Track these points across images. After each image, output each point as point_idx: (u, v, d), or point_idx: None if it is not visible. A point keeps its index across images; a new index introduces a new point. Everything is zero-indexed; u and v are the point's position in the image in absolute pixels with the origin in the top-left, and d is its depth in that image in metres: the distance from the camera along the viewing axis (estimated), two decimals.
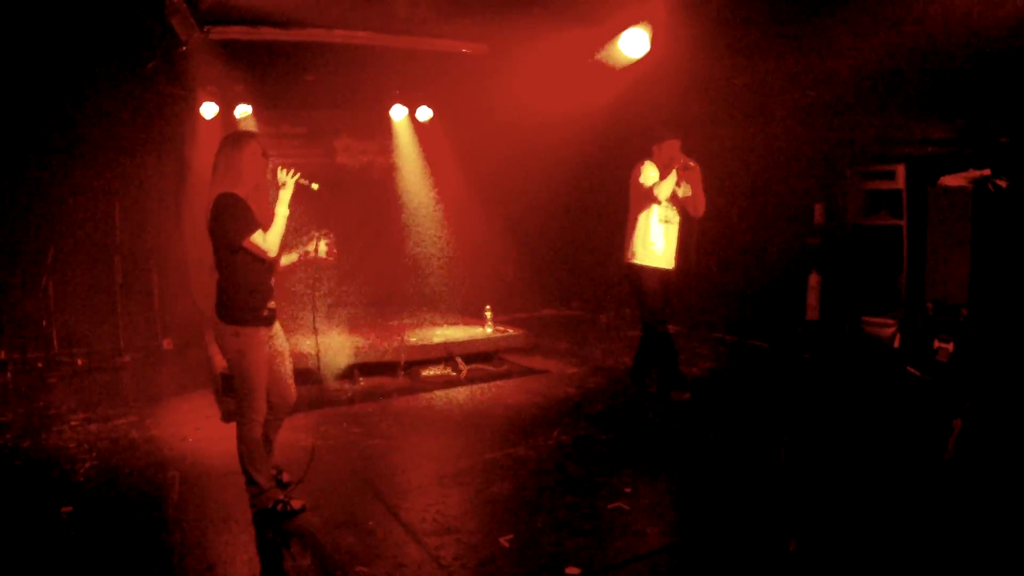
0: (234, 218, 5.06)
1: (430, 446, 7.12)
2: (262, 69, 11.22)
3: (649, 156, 8.14)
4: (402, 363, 9.67)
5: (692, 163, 7.94)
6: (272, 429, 5.63)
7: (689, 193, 8.18)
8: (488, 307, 10.77)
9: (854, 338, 9.10)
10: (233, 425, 5.48)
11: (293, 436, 7.24)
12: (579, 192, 13.28)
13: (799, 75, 9.85)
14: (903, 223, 8.76)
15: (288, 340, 5.67)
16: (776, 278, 10.54)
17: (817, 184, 10.03)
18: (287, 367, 5.59)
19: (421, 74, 12.12)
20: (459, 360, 9.87)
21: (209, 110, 11.63)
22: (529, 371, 9.96)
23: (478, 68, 11.40)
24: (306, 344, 9.94)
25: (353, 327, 11.24)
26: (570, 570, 4.51)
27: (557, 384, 9.11)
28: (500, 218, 13.82)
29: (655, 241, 8.13)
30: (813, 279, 9.90)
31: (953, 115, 8.53)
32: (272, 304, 5.36)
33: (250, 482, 5.35)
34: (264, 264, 5.26)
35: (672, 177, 7.92)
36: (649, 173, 8.02)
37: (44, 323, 10.60)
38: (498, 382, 9.47)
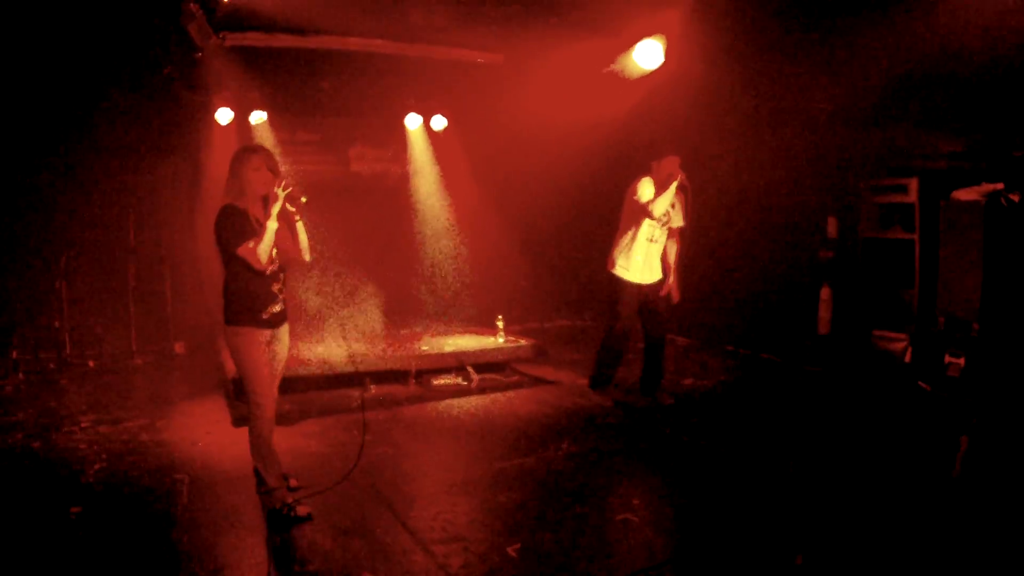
0: (229, 228, 5.34)
1: (440, 455, 7.13)
2: (277, 76, 11.25)
3: (648, 172, 8.19)
4: (413, 372, 9.67)
5: (686, 182, 7.99)
6: None
7: (681, 223, 8.40)
8: (500, 317, 10.76)
9: (865, 352, 9.08)
10: (243, 430, 5.58)
11: (303, 442, 7.28)
12: (593, 202, 13.26)
13: (812, 87, 9.84)
14: (915, 237, 8.73)
15: (289, 347, 5.84)
16: (788, 291, 10.50)
17: (830, 197, 10.00)
18: (277, 374, 5.79)
19: (436, 83, 12.14)
20: (470, 370, 9.86)
21: (224, 116, 11.66)
22: (540, 381, 9.94)
23: (493, 78, 11.42)
24: (317, 351, 10.03)
25: (366, 335, 11.25)
26: None
27: (568, 395, 9.09)
28: (513, 228, 13.80)
29: (637, 257, 8.40)
30: (825, 292, 9.87)
31: (966, 129, 8.51)
32: (275, 309, 5.56)
33: (260, 482, 5.52)
34: (264, 272, 5.45)
35: (668, 194, 8.04)
36: (646, 189, 8.15)
37: (56, 325, 10.64)
38: (509, 392, 9.45)
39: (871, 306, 9.23)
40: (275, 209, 5.43)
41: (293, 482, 5.91)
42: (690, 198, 8.18)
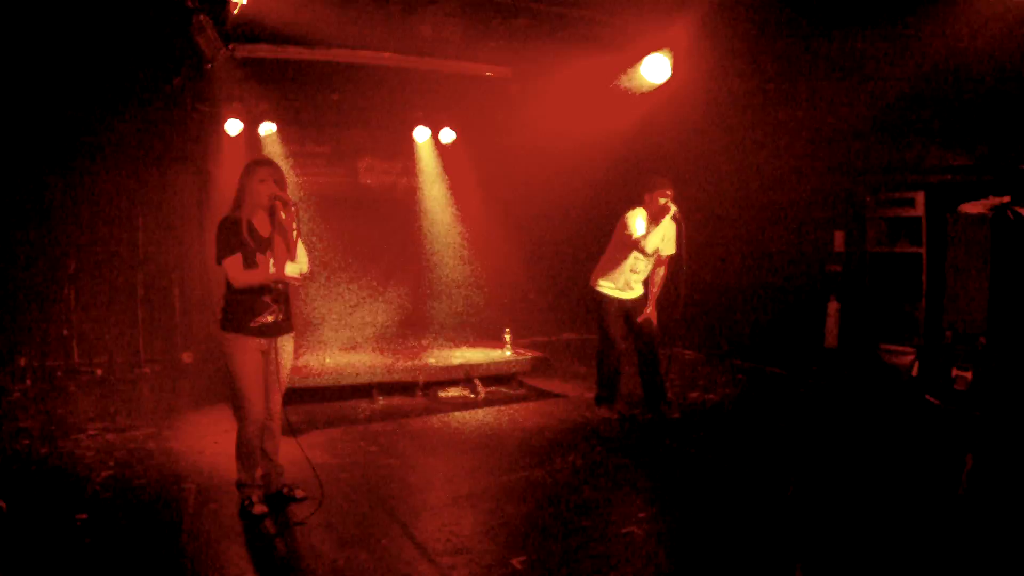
0: (218, 239, 5.48)
1: (446, 467, 7.12)
2: (287, 87, 11.30)
3: (641, 203, 8.19)
4: (421, 383, 9.69)
5: (679, 215, 8.01)
6: (265, 439, 5.86)
7: (672, 251, 8.40)
8: (508, 330, 10.77)
9: (873, 366, 9.06)
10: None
11: (308, 453, 7.23)
12: (600, 216, 13.25)
13: (819, 102, 9.87)
14: (922, 251, 8.73)
15: (295, 357, 5.91)
16: (795, 305, 10.51)
17: (837, 211, 10.02)
18: (278, 383, 5.84)
19: (445, 96, 12.18)
20: (477, 382, 9.87)
21: (234, 127, 11.69)
22: (547, 394, 9.93)
23: (501, 91, 11.46)
24: (325, 362, 10.05)
25: (374, 347, 11.27)
26: None
27: (574, 408, 9.07)
28: (522, 241, 13.82)
29: (617, 283, 8.45)
30: (832, 306, 9.87)
31: (973, 142, 8.52)
32: (267, 319, 5.62)
33: (239, 481, 5.70)
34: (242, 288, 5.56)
35: (660, 228, 8.06)
36: (637, 223, 8.14)
37: (64, 332, 10.69)
38: (516, 405, 9.46)
39: (878, 320, 9.23)
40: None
41: (299, 492, 5.94)
42: (683, 228, 8.15)
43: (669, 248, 8.33)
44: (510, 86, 11.19)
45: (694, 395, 9.54)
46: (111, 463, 6.87)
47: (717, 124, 11.15)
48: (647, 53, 9.31)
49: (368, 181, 13.83)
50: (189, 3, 7.59)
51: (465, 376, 9.92)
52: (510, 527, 5.51)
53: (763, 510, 5.77)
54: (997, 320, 7.69)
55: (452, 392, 9.80)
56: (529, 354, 10.62)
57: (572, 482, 6.47)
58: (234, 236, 5.44)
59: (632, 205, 8.28)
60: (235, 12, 7.72)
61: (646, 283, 8.55)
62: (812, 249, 10.36)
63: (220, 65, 9.34)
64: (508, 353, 10.56)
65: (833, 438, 7.59)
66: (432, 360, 10.33)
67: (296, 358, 9.85)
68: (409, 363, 10.09)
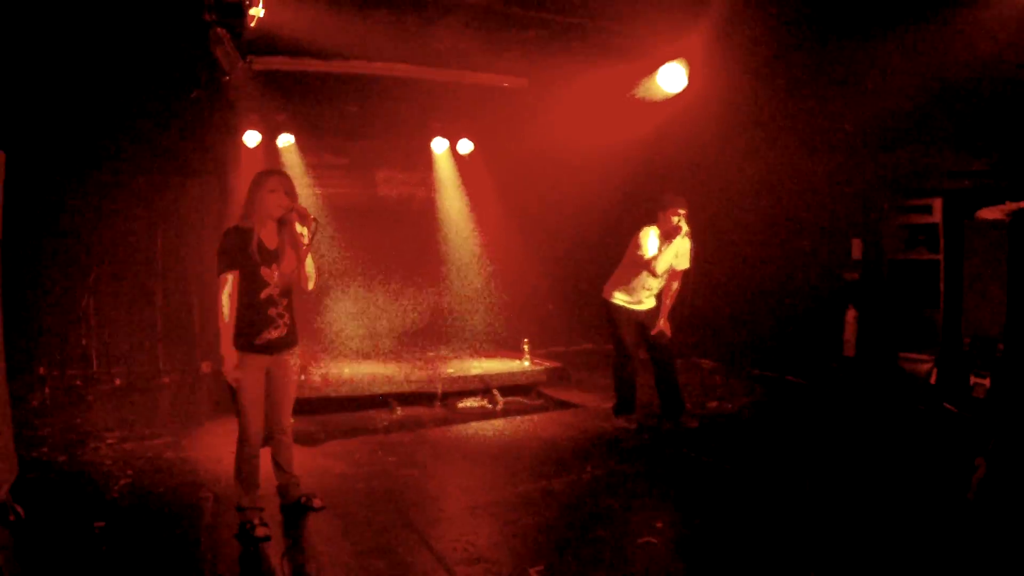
0: (220, 252, 5.39)
1: (464, 477, 7.12)
2: (304, 99, 11.36)
3: (655, 221, 8.19)
4: (439, 394, 9.69)
5: (689, 235, 8.04)
6: (278, 453, 5.78)
7: (686, 266, 8.38)
8: (526, 340, 10.77)
9: (891, 374, 9.02)
10: (268, 450, 5.59)
11: (328, 463, 7.29)
12: (618, 226, 13.23)
13: (835, 109, 9.85)
14: (940, 257, 8.69)
15: (308, 368, 5.85)
16: (813, 313, 10.47)
17: (854, 218, 9.98)
18: (283, 398, 5.73)
19: (462, 107, 12.22)
20: (496, 392, 9.86)
21: (252, 139, 11.76)
22: (565, 405, 9.92)
23: (518, 102, 11.48)
24: (344, 372, 10.07)
25: (392, 357, 11.29)
26: None
27: (592, 419, 9.06)
28: (540, 251, 13.82)
29: (630, 296, 8.45)
30: (850, 314, 9.83)
31: (990, 148, 8.49)
32: (271, 335, 5.50)
33: (238, 504, 5.51)
34: (259, 297, 5.44)
35: (671, 250, 8.06)
36: (650, 243, 8.13)
37: (84, 342, 10.73)
38: (534, 415, 9.45)
39: (897, 328, 9.19)
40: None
41: (317, 502, 5.91)
42: (694, 244, 8.17)
43: (684, 263, 8.32)
44: (527, 97, 11.21)
45: (712, 404, 9.51)
46: (129, 471, 6.90)
47: (733, 133, 11.14)
48: (663, 63, 9.33)
49: (386, 192, 13.86)
50: (207, 16, 7.61)
51: (483, 386, 9.92)
52: (527, 537, 5.49)
53: (781, 519, 5.74)
54: (1015, 326, 7.63)
55: (470, 402, 9.79)
56: (547, 364, 10.61)
57: (589, 492, 6.46)
58: (239, 250, 5.35)
59: (647, 219, 8.27)
60: (252, 25, 7.76)
61: (659, 296, 8.54)
62: (830, 257, 10.33)
63: (238, 77, 9.40)
64: (526, 363, 10.56)
65: (851, 447, 7.55)
66: (450, 370, 10.33)
67: (313, 368, 9.92)
68: (427, 373, 10.09)
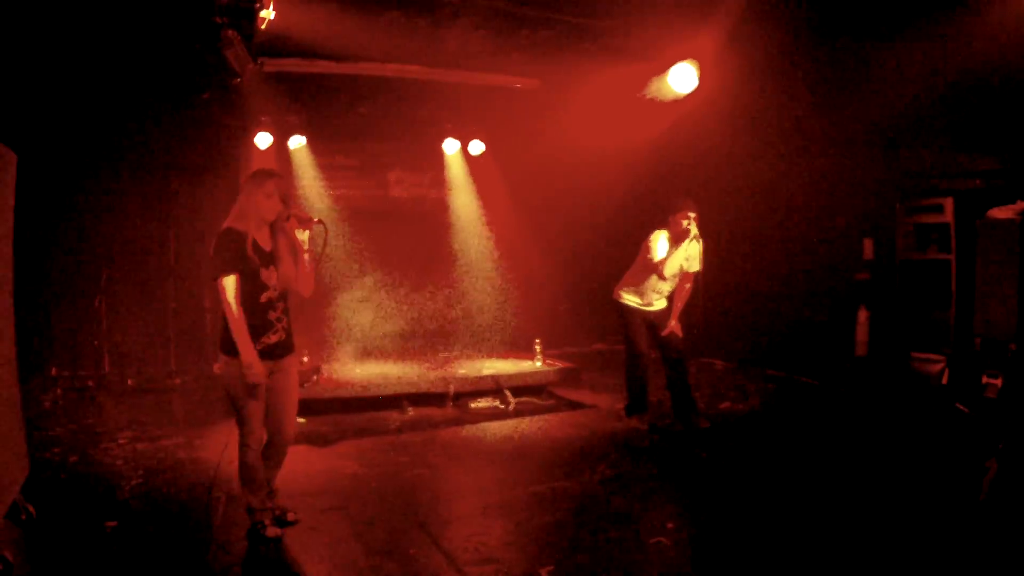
0: (218, 254, 5.24)
1: (475, 477, 7.11)
2: (316, 101, 11.38)
3: (665, 225, 8.17)
4: (451, 394, 9.69)
5: (699, 239, 8.01)
6: (269, 465, 5.62)
7: (698, 268, 8.32)
8: (538, 341, 10.75)
9: (903, 374, 8.99)
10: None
11: (340, 463, 7.30)
12: (630, 226, 13.24)
13: (846, 109, 9.82)
14: (952, 257, 8.66)
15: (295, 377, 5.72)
16: (825, 313, 10.45)
17: (866, 218, 9.95)
18: (287, 405, 5.61)
19: (473, 108, 12.24)
20: (507, 393, 9.85)
21: (263, 140, 11.79)
22: (577, 405, 9.92)
23: (530, 103, 11.49)
24: (355, 373, 10.09)
25: (404, 357, 11.29)
26: None
27: (604, 419, 9.05)
28: (551, 252, 13.83)
29: (641, 298, 8.45)
30: (862, 315, 9.80)
31: (1001, 147, 8.45)
32: (270, 339, 5.38)
33: (248, 506, 5.45)
34: (260, 300, 5.33)
35: (679, 253, 8.06)
36: (659, 246, 8.13)
37: (96, 343, 10.78)
38: (545, 416, 9.45)
39: (909, 328, 9.15)
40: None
41: (291, 516, 5.69)
42: (705, 244, 8.15)
43: (695, 265, 8.29)
44: (538, 97, 11.22)
45: (724, 405, 9.50)
46: (141, 472, 6.93)
47: (744, 133, 11.13)
48: (674, 63, 9.32)
49: (398, 193, 13.88)
50: (217, 18, 7.65)
51: (495, 387, 9.91)
52: (539, 537, 5.49)
53: (793, 520, 5.73)
54: None
55: (482, 403, 9.79)
56: (559, 365, 10.60)
57: (601, 492, 6.44)
58: (236, 252, 5.21)
59: (658, 220, 8.26)
60: (263, 27, 7.79)
61: (670, 297, 8.52)
62: (841, 257, 10.30)
63: (249, 79, 9.43)
64: (538, 364, 10.55)
65: (863, 448, 7.53)
66: (462, 371, 10.34)
67: (325, 369, 9.93)
68: (439, 374, 10.11)
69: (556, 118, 11.77)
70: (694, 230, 7.94)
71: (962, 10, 7.81)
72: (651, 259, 8.10)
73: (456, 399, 9.72)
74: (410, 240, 13.24)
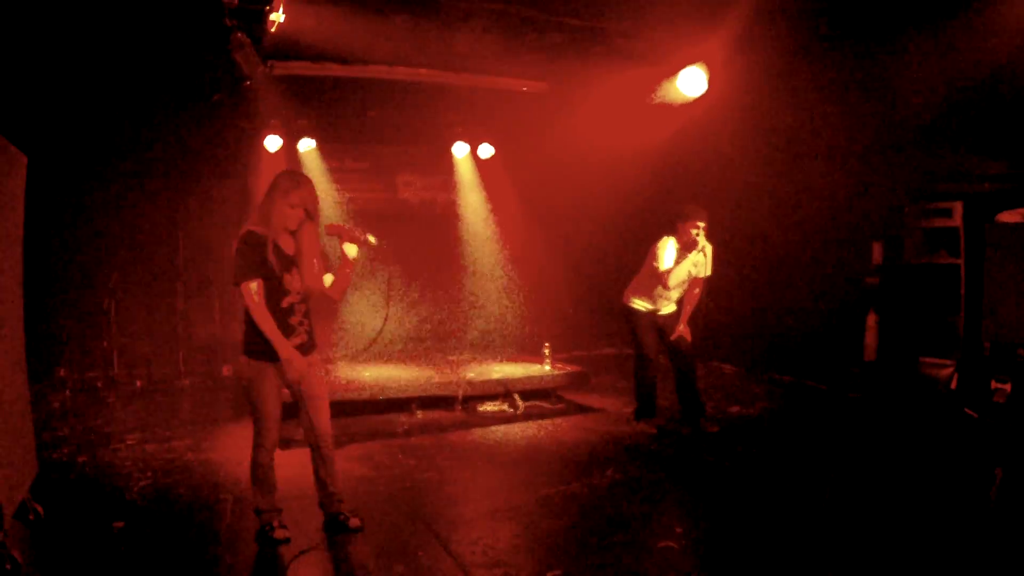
0: (240, 258, 5.20)
1: (483, 480, 7.11)
2: (325, 104, 11.40)
3: (674, 232, 8.17)
4: (460, 398, 9.67)
5: (706, 249, 8.03)
6: (319, 466, 5.63)
7: (708, 273, 8.35)
8: (547, 344, 10.73)
9: (912, 379, 8.96)
10: (288, 453, 5.58)
11: (347, 466, 7.27)
12: (639, 230, 13.24)
13: (856, 112, 9.81)
14: (961, 262, 8.64)
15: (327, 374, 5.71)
16: (834, 318, 10.42)
17: (875, 223, 9.93)
18: (317, 399, 5.60)
19: (483, 111, 12.25)
20: (516, 396, 9.83)
21: (273, 143, 11.80)
22: (586, 409, 9.91)
23: (539, 106, 11.49)
24: (364, 375, 10.09)
25: (413, 361, 11.29)
26: None
27: (613, 423, 9.04)
28: (561, 255, 13.83)
29: (650, 303, 8.45)
30: (871, 319, 9.76)
31: (1010, 150, 8.43)
32: (292, 343, 5.34)
33: (256, 508, 5.45)
34: (281, 305, 5.32)
35: (686, 263, 8.07)
36: (666, 255, 8.13)
37: (105, 344, 10.80)
38: (554, 419, 9.43)
39: (917, 332, 9.12)
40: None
41: (354, 521, 5.62)
42: (716, 248, 8.16)
43: (704, 271, 8.29)
44: (548, 101, 11.22)
45: (733, 409, 9.48)
46: (149, 473, 6.93)
47: (752, 136, 11.11)
48: (683, 67, 9.32)
49: (407, 196, 13.91)
50: (228, 21, 7.66)
51: (504, 390, 9.89)
52: (547, 541, 5.48)
53: (801, 524, 5.71)
54: None
55: (491, 406, 9.77)
56: (568, 369, 10.57)
57: (610, 496, 6.43)
58: (257, 257, 5.19)
59: (667, 225, 8.26)
60: (273, 30, 7.80)
61: (680, 301, 8.50)
62: (850, 261, 10.26)
63: (259, 82, 9.45)
64: (547, 368, 10.52)
65: (871, 452, 7.51)
66: (471, 374, 10.31)
67: (332, 371, 9.93)
68: (448, 377, 10.08)
69: (565, 122, 11.77)
70: (702, 241, 7.93)
71: (971, 14, 7.80)
72: (657, 267, 8.10)
73: (465, 402, 9.70)
74: (419, 243, 13.24)
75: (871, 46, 8.97)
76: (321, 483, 5.65)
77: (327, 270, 5.60)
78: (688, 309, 8.47)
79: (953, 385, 8.56)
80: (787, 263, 11.33)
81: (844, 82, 9.67)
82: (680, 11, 8.40)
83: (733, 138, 11.26)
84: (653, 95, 10.07)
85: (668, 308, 8.47)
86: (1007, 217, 7.95)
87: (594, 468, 7.19)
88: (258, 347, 5.28)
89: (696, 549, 5.32)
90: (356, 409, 9.21)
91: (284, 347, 5.20)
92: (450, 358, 11.81)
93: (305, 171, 11.94)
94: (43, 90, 9.37)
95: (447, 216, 14.03)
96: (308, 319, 5.54)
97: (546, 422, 9.29)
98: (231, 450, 7.75)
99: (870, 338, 9.76)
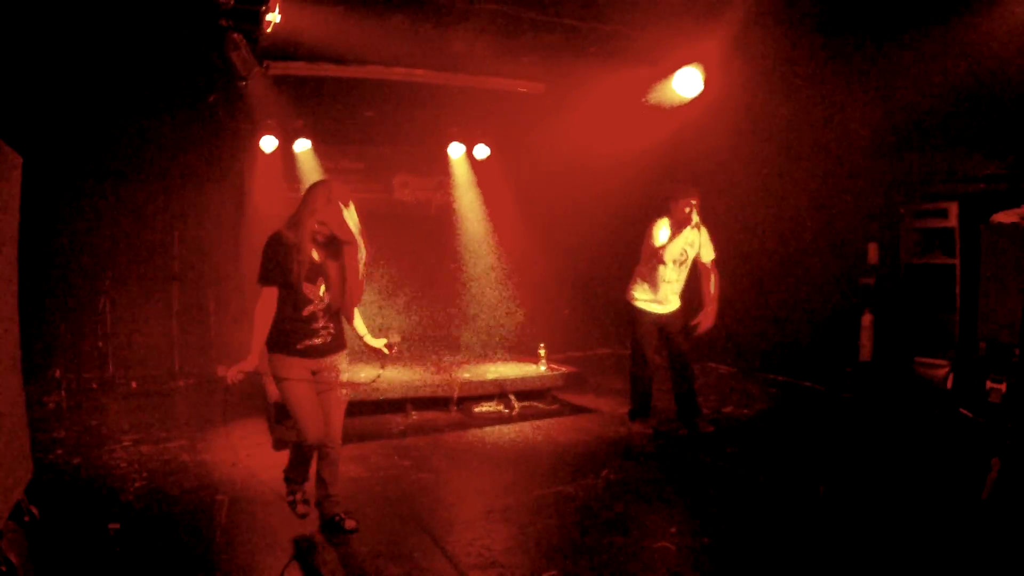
0: (263, 259, 5.28)
1: (479, 481, 7.11)
2: (321, 104, 11.39)
3: (667, 212, 8.16)
4: (455, 398, 9.67)
5: (700, 224, 8.02)
6: (323, 467, 5.66)
7: (712, 255, 8.36)
8: (542, 345, 10.74)
9: (907, 379, 8.98)
10: (284, 453, 5.58)
11: (342, 467, 7.20)
12: (634, 231, 13.24)
13: (851, 113, 9.83)
14: (956, 262, 8.65)
15: (345, 374, 5.72)
16: (829, 318, 10.44)
17: (870, 223, 9.94)
18: (334, 409, 5.63)
19: (479, 112, 12.23)
20: (512, 397, 9.84)
21: (269, 143, 11.78)
22: (581, 410, 9.90)
23: (535, 107, 11.49)
24: (360, 376, 10.08)
25: (408, 361, 11.28)
26: None
27: (608, 423, 9.04)
28: (556, 255, 13.82)
29: (653, 293, 8.37)
30: (866, 319, 9.77)
31: (1006, 150, 8.45)
32: (313, 342, 5.41)
33: (286, 476, 5.64)
34: (302, 313, 5.36)
35: (681, 238, 8.04)
36: (661, 232, 8.13)
37: (100, 345, 10.80)
38: (549, 420, 9.43)
39: (913, 332, 9.14)
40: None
41: (350, 523, 5.63)
42: (708, 232, 8.15)
43: (708, 253, 8.29)
44: (544, 101, 11.22)
45: (728, 409, 9.48)
46: (144, 474, 6.92)
47: (748, 137, 11.12)
48: (679, 67, 9.32)
49: (403, 197, 13.91)
50: (223, 21, 7.65)
51: (499, 391, 9.90)
52: (542, 542, 5.48)
53: (795, 524, 5.72)
54: None
55: (486, 407, 9.78)
56: (563, 369, 10.58)
57: (605, 497, 6.43)
58: (281, 264, 5.25)
59: (661, 210, 8.27)
60: (269, 30, 7.79)
61: (683, 296, 8.50)
62: (845, 261, 10.28)
63: (254, 82, 9.42)
64: (542, 368, 10.53)
65: (866, 452, 7.51)
66: (466, 375, 10.31)
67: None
68: (443, 378, 10.08)
69: (562, 123, 11.77)
70: (695, 217, 7.94)
71: (967, 14, 7.82)
72: (652, 243, 8.10)
73: (460, 403, 9.70)
74: (415, 243, 13.26)
75: (867, 47, 8.99)
76: (321, 481, 5.67)
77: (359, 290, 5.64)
78: (714, 294, 8.35)
79: (948, 385, 8.58)
80: (783, 263, 11.35)
81: (840, 83, 9.69)
82: (676, 11, 8.40)
83: (728, 139, 11.27)
84: (649, 96, 10.08)
85: (672, 303, 8.42)
86: (1003, 217, 7.96)
87: (589, 469, 7.18)
88: (282, 341, 5.35)
89: (692, 550, 5.32)
90: (351, 410, 9.04)
91: (253, 355, 5.27)
92: (445, 359, 11.80)
93: (300, 172, 12.02)
94: (39, 91, 9.36)
95: (443, 217, 14.03)
96: (335, 323, 5.59)
97: (541, 423, 9.28)
98: (226, 451, 7.75)
99: (865, 338, 9.77)
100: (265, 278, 5.25)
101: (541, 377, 10.35)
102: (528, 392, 10.11)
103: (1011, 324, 7.58)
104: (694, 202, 8.00)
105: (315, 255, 5.37)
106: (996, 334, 7.80)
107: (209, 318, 11.99)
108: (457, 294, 13.92)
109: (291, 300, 5.31)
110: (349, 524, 5.65)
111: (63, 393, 9.97)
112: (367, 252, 5.61)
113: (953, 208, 8.72)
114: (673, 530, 5.62)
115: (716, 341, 10.19)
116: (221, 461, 7.38)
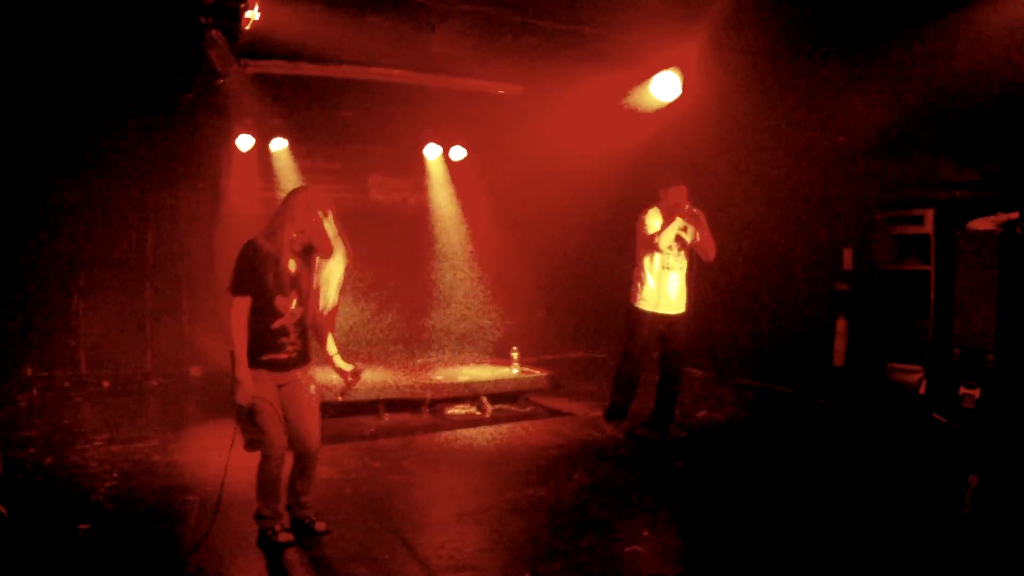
0: (236, 269, 5.21)
1: (451, 484, 7.09)
2: (298, 104, 11.33)
3: (656, 201, 8.17)
4: (427, 401, 9.66)
5: (696, 210, 8.01)
6: (297, 478, 5.64)
7: (697, 240, 8.26)
8: (515, 348, 10.75)
9: (881, 384, 9.03)
10: (255, 455, 5.52)
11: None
12: (611, 234, 13.26)
13: (828, 120, 9.88)
14: (931, 268, 8.71)
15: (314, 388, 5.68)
16: (804, 324, 10.49)
17: (846, 229, 10.01)
18: (307, 417, 5.59)
19: (456, 113, 12.20)
20: (484, 400, 9.84)
21: (245, 142, 11.72)
22: (554, 413, 9.91)
23: (513, 109, 11.47)
24: (331, 378, 10.04)
25: (380, 363, 11.25)
26: None
27: (581, 427, 9.05)
28: (531, 259, 13.81)
29: (653, 287, 8.28)
30: (841, 325, 9.83)
31: (982, 158, 8.52)
32: (277, 356, 5.37)
33: (257, 513, 5.44)
34: (271, 327, 5.31)
35: (674, 225, 8.03)
36: (652, 221, 8.13)
37: (72, 344, 10.75)
38: (522, 423, 9.43)
39: (887, 338, 9.20)
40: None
41: (320, 526, 5.63)
42: (704, 221, 8.12)
43: (693, 238, 8.28)
44: (522, 104, 11.21)
45: (702, 414, 9.51)
46: (115, 474, 6.88)
47: (726, 142, 11.15)
48: (657, 71, 9.33)
49: (378, 197, 13.88)
50: (202, 18, 7.60)
51: (472, 394, 9.90)
52: (514, 544, 5.49)
53: (767, 528, 5.74)
54: (1005, 337, 7.65)
55: (459, 409, 9.77)
56: (537, 372, 10.60)
57: (577, 500, 6.45)
58: (253, 271, 5.20)
59: (650, 200, 8.28)
60: (247, 28, 7.74)
61: (687, 291, 8.46)
62: (821, 267, 10.34)
63: (232, 81, 9.37)
64: (515, 371, 10.54)
65: (839, 457, 7.55)
66: (439, 377, 10.31)
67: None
68: (416, 380, 10.07)
69: (539, 125, 11.76)
70: (686, 208, 7.94)
71: (946, 22, 7.87)
72: (645, 232, 8.09)
73: (432, 405, 9.70)
74: (389, 244, 13.18)
75: (845, 52, 9.03)
76: (294, 492, 5.64)
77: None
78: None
79: (922, 390, 8.64)
80: (758, 268, 11.38)
81: (817, 88, 9.73)
82: (655, 15, 8.41)
83: (706, 144, 11.29)
84: (627, 100, 10.09)
85: (677, 298, 8.34)
86: (978, 225, 8.04)
87: (562, 471, 7.20)
88: (251, 356, 5.27)
89: (664, 553, 5.35)
90: (322, 411, 9.15)
91: (242, 368, 5.23)
92: (418, 360, 11.79)
93: (276, 171, 11.96)
94: (11, 88, 9.28)
95: (418, 217, 13.99)
96: (302, 340, 5.54)
97: (514, 425, 9.28)
98: (197, 452, 7.71)
99: (839, 343, 9.83)
100: (239, 287, 5.19)
101: (514, 380, 10.36)
102: (501, 395, 10.12)
103: (985, 330, 7.66)
104: (683, 190, 8.02)
105: (292, 266, 5.33)
106: (970, 340, 7.87)
107: (182, 318, 11.92)
108: (431, 295, 13.89)
109: (261, 311, 5.25)
110: (320, 526, 5.63)
111: (35, 392, 9.92)
112: (347, 260, 5.55)
113: (929, 215, 8.80)
114: (646, 533, 5.64)
115: (691, 346, 10.20)
116: (192, 462, 7.35)
